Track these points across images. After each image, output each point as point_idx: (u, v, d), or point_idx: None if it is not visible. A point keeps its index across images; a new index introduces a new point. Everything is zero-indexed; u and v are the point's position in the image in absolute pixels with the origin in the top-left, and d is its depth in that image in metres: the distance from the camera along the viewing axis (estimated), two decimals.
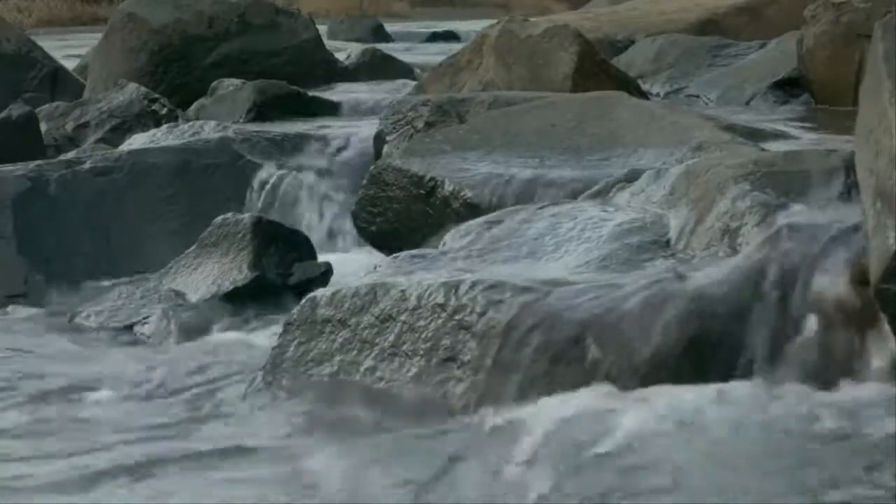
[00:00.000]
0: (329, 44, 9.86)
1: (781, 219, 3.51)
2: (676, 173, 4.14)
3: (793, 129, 6.07)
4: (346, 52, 10.02)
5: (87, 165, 5.92)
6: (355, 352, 3.63)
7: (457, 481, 3.10)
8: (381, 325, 3.62)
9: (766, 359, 3.28)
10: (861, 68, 6.26)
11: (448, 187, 4.74)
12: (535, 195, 4.57)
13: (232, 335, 4.60)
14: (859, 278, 3.24)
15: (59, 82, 9.12)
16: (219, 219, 5.05)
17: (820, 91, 7.26)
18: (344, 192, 6.03)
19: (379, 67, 9.38)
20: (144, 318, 4.72)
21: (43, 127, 7.05)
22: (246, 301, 4.81)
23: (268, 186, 6.11)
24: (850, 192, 3.68)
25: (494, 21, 7.65)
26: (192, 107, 7.59)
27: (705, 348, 3.31)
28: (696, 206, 3.83)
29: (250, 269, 4.85)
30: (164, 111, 7.33)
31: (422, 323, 3.56)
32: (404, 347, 3.56)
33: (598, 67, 6.95)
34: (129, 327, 4.69)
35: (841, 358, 3.24)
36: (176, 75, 8.50)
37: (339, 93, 8.13)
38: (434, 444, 3.27)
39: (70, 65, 10.22)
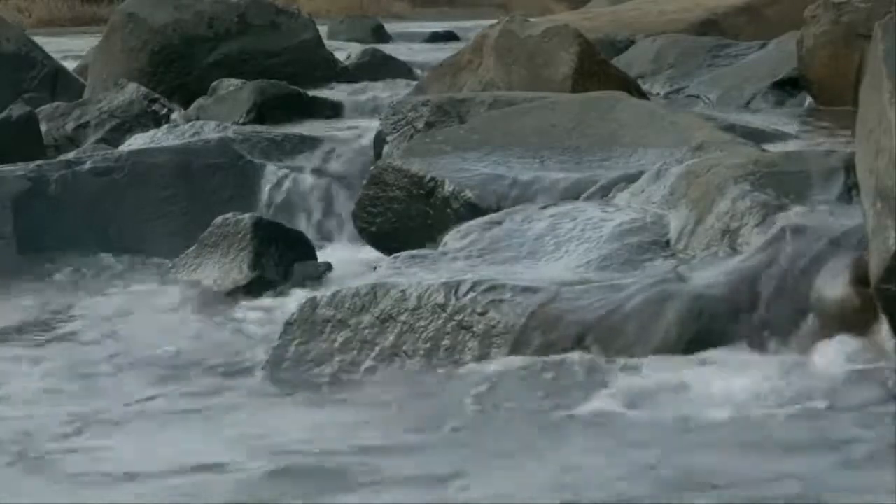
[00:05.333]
0: (329, 44, 9.85)
1: (781, 219, 3.52)
2: (676, 173, 4.14)
3: (793, 129, 6.07)
4: (346, 52, 10.02)
5: (87, 165, 5.92)
6: (355, 352, 3.64)
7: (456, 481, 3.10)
8: (382, 325, 3.62)
9: (766, 359, 3.28)
10: (861, 68, 6.26)
11: (448, 187, 4.74)
12: (536, 195, 4.57)
13: (231, 335, 4.59)
14: (859, 278, 3.24)
15: (59, 82, 9.11)
16: (219, 219, 5.04)
17: (820, 91, 7.26)
18: (344, 193, 6.03)
19: (379, 67, 9.38)
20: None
21: (43, 127, 7.05)
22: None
23: (268, 187, 6.11)
24: (850, 192, 3.68)
25: (494, 21, 7.65)
26: (192, 107, 7.58)
27: (705, 349, 3.31)
28: (696, 207, 3.83)
29: (250, 269, 4.85)
30: (164, 111, 7.33)
31: (422, 323, 3.56)
32: (404, 348, 3.56)
33: (598, 67, 6.95)
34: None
35: (841, 359, 3.24)
36: (176, 75, 8.50)
37: (340, 93, 8.13)
38: (434, 446, 3.27)
39: (70, 65, 10.22)
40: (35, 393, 4.00)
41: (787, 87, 7.59)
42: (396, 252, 4.13)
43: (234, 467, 3.25)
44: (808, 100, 7.40)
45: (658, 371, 3.29)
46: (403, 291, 3.63)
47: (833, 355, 3.23)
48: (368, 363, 3.60)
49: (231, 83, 7.71)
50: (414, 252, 4.05)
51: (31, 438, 3.55)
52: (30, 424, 3.65)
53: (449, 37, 16.42)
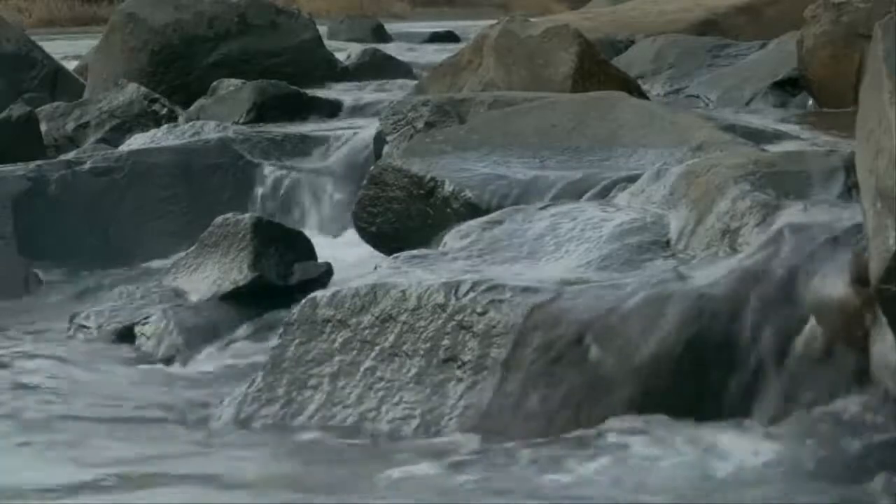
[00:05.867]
0: (329, 44, 9.86)
1: (781, 219, 3.51)
2: (676, 173, 4.14)
3: (793, 129, 6.07)
4: (346, 52, 10.03)
5: (87, 165, 5.92)
6: (355, 352, 3.63)
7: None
8: (382, 325, 3.62)
9: (766, 360, 3.28)
10: (861, 68, 6.26)
11: (448, 187, 4.74)
12: (536, 195, 4.57)
13: (231, 335, 4.59)
14: (859, 278, 3.24)
15: (59, 82, 9.12)
16: (219, 219, 5.04)
17: (820, 91, 7.26)
18: (344, 193, 6.03)
19: (379, 67, 9.38)
20: (144, 319, 4.72)
21: (43, 127, 7.05)
22: (246, 301, 4.81)
23: (268, 187, 6.11)
24: (850, 192, 3.68)
25: (494, 21, 7.65)
26: (192, 107, 7.59)
27: (705, 349, 3.31)
28: (696, 207, 3.83)
29: (250, 269, 4.85)
30: (164, 111, 7.33)
31: (422, 323, 3.56)
32: (404, 348, 3.56)
33: (598, 67, 6.95)
34: (129, 328, 4.68)
35: (841, 358, 3.24)
36: (176, 75, 8.50)
37: (339, 93, 8.13)
38: (433, 455, 3.27)
39: (70, 65, 10.22)
40: (29, 395, 4.00)
41: (787, 87, 7.59)
42: (396, 252, 4.13)
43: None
44: (809, 100, 7.40)
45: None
46: (403, 291, 3.63)
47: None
48: (368, 363, 3.60)
49: (231, 83, 7.71)
50: (414, 252, 4.05)
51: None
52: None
53: (449, 37, 16.43)
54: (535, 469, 3.13)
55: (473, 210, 4.56)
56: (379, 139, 5.73)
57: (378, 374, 3.57)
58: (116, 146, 6.69)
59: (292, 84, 7.69)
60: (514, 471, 3.14)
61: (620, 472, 3.07)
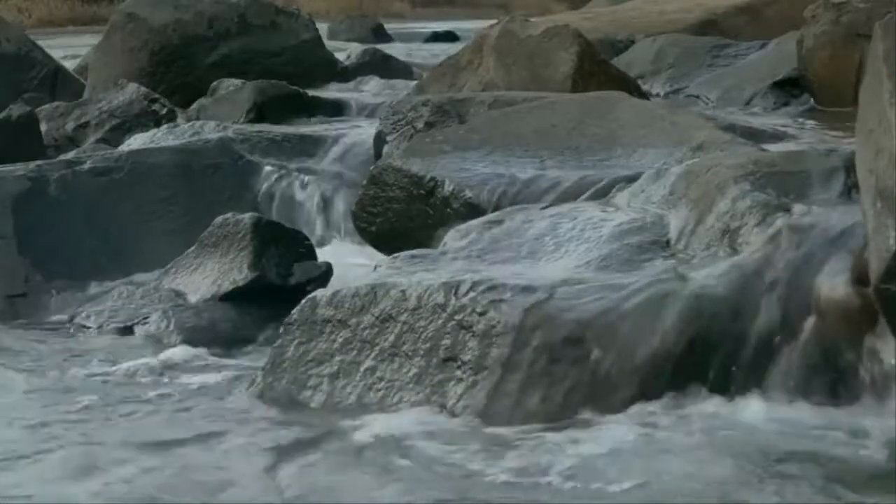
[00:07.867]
0: (329, 44, 9.87)
1: (781, 219, 3.52)
2: (676, 173, 4.14)
3: (793, 129, 6.07)
4: (346, 52, 10.03)
5: (87, 165, 5.91)
6: (355, 352, 3.64)
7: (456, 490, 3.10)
8: (382, 325, 3.62)
9: (766, 359, 3.28)
10: (861, 68, 6.26)
11: (448, 187, 4.74)
12: (536, 195, 4.57)
13: (232, 335, 4.59)
14: (859, 278, 3.24)
15: (59, 82, 9.12)
16: (219, 219, 5.04)
17: (820, 91, 7.26)
18: (344, 193, 6.02)
19: (379, 67, 9.39)
20: (144, 318, 4.72)
21: (43, 127, 7.05)
22: (246, 301, 4.80)
23: (267, 186, 6.10)
24: (850, 192, 3.68)
25: (494, 21, 7.65)
26: (192, 107, 7.59)
27: (705, 348, 3.31)
28: (696, 206, 3.83)
29: (250, 269, 4.85)
30: (164, 111, 7.33)
31: (422, 323, 3.56)
32: (404, 348, 3.56)
33: (598, 67, 6.95)
34: (130, 327, 4.68)
35: (840, 358, 3.25)
36: (176, 75, 8.50)
37: (340, 93, 8.13)
38: (432, 453, 3.27)
39: (70, 65, 10.22)
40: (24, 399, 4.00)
41: (787, 87, 7.59)
42: (396, 252, 4.13)
43: None
44: (809, 100, 7.41)
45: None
46: (403, 291, 3.63)
47: None
48: (368, 363, 3.60)
49: (231, 83, 7.71)
50: (414, 252, 4.05)
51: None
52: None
53: (449, 37, 16.45)
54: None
55: (473, 210, 4.56)
56: (379, 139, 5.74)
57: (378, 374, 3.58)
58: (116, 146, 6.69)
59: (292, 84, 7.69)
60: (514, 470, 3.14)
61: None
